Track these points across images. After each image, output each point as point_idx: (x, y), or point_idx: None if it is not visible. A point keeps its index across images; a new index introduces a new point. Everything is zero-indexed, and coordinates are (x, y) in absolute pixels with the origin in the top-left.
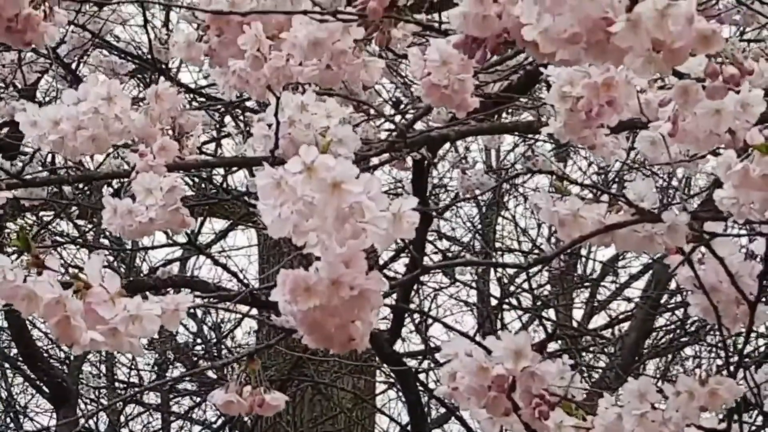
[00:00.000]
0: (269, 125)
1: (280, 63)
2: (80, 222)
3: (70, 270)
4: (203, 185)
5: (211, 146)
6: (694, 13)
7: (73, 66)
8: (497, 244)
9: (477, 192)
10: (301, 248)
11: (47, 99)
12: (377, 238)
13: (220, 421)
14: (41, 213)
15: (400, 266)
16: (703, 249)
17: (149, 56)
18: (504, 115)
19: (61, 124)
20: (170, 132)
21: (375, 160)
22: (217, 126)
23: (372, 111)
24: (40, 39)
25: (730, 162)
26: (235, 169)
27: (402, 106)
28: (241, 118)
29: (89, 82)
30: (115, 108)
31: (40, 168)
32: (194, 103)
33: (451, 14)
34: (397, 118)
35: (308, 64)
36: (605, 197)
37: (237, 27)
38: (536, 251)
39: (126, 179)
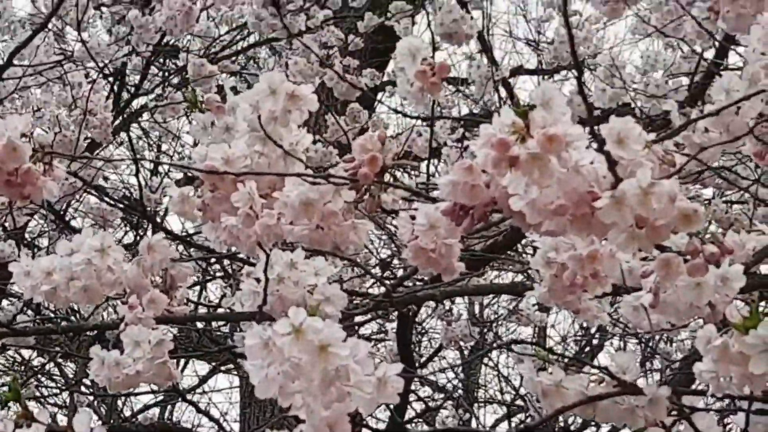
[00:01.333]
0: (258, 281)
1: (271, 222)
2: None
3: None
4: (188, 330)
5: (197, 288)
6: (677, 192)
7: (63, 210)
8: (480, 393)
9: (461, 343)
10: (286, 410)
11: (34, 240)
12: (362, 402)
13: None
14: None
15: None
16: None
17: (138, 199)
18: (489, 270)
19: (54, 274)
20: (161, 283)
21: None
22: (203, 270)
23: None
24: (39, 193)
25: (710, 336)
26: None
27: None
28: (228, 263)
29: (83, 233)
30: (108, 260)
31: (30, 313)
32: (181, 248)
33: (439, 182)
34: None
35: (299, 223)
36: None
37: (231, 183)
38: (519, 401)
39: (115, 331)
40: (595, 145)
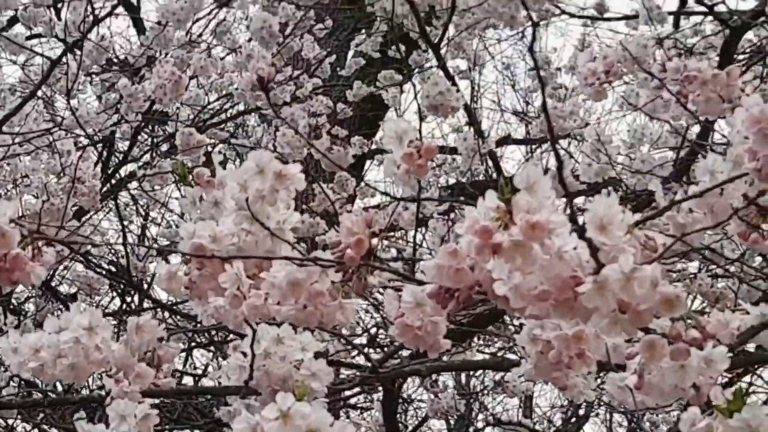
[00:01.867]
0: (244, 355)
1: (258, 302)
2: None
3: None
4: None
5: (182, 356)
6: (659, 278)
7: (50, 276)
8: None
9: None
10: None
11: (21, 305)
12: None
13: None
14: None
15: None
16: None
17: (125, 267)
18: (475, 341)
19: (41, 351)
20: (147, 357)
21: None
22: (189, 337)
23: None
24: (27, 278)
25: (694, 419)
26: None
27: (373, 327)
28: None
29: (72, 310)
30: (96, 338)
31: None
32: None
33: (425, 266)
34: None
35: (286, 304)
36: None
37: (218, 262)
38: None
39: (101, 404)
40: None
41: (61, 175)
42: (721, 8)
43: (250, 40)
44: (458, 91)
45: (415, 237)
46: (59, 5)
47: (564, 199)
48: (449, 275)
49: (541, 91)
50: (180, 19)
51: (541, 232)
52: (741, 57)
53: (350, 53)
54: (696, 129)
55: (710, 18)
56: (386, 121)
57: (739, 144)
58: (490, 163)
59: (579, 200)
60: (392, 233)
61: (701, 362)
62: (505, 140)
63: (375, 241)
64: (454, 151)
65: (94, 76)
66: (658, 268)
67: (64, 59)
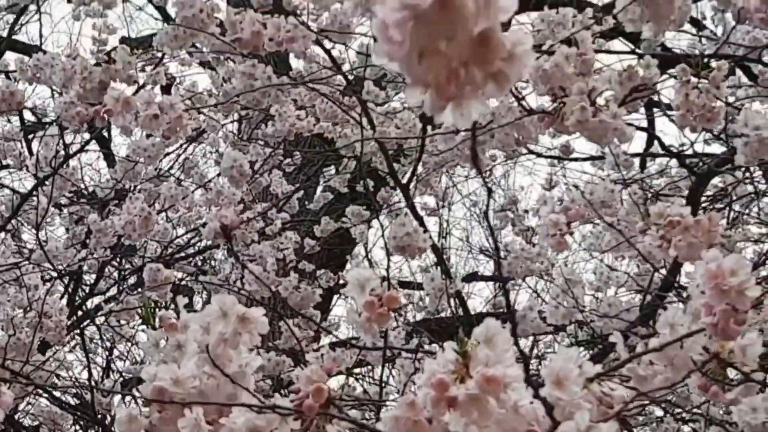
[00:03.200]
0: None
1: None
2: None
3: None
4: None
5: None
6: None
7: (13, 411)
8: None
9: None
10: None
11: None
12: None
13: None
14: None
15: None
16: None
17: (89, 403)
18: None
19: None
20: None
21: None
22: None
23: None
24: None
25: None
26: None
27: None
28: None
29: None
30: None
31: None
32: None
33: (383, 417)
34: None
35: None
36: None
37: (178, 406)
38: None
39: None
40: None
41: (28, 309)
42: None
43: (218, 175)
44: (426, 231)
45: (381, 376)
46: (30, 137)
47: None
48: (407, 427)
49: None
50: (150, 156)
51: (496, 386)
52: (707, 201)
53: (319, 188)
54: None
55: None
56: (348, 270)
57: (698, 298)
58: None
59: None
60: (359, 370)
61: None
62: (473, 277)
63: (334, 388)
64: (421, 286)
65: (63, 207)
66: (615, 426)
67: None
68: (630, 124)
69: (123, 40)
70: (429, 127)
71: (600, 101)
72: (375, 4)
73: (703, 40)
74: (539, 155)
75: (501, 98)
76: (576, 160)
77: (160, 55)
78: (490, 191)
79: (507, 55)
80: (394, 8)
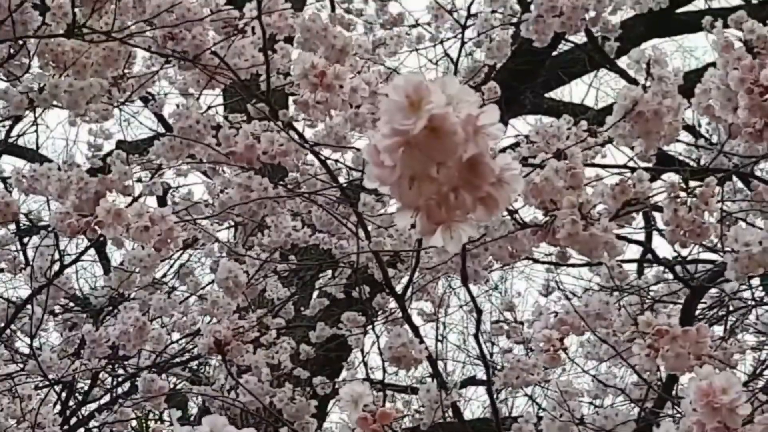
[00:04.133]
0: None
1: None
2: None
3: None
4: None
5: None
6: None
7: None
8: None
9: None
10: None
11: None
12: None
13: None
14: None
15: None
16: None
17: None
18: None
19: None
20: None
21: None
22: None
23: None
24: None
25: None
26: None
27: None
28: None
29: None
30: None
31: None
32: None
33: None
34: None
35: None
36: None
37: None
38: None
39: None
40: None
41: (21, 420)
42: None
43: (212, 282)
44: (422, 342)
45: None
46: (26, 242)
47: None
48: None
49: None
50: (146, 266)
51: None
52: (704, 310)
53: (314, 294)
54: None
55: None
56: (342, 385)
57: (691, 415)
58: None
59: None
60: None
61: None
62: (470, 381)
63: None
64: (416, 390)
65: (57, 314)
66: None
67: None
68: (624, 237)
69: (119, 144)
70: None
71: (593, 214)
72: (365, 121)
73: (701, 144)
74: (536, 261)
75: None
76: (573, 266)
77: (156, 164)
78: (479, 312)
79: (496, 180)
80: (385, 134)
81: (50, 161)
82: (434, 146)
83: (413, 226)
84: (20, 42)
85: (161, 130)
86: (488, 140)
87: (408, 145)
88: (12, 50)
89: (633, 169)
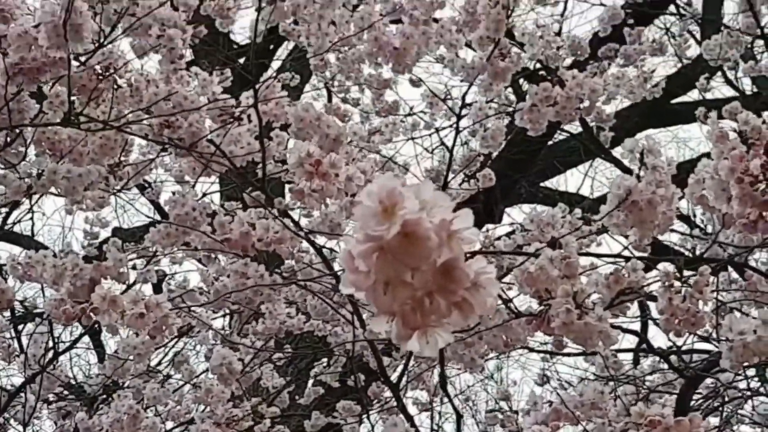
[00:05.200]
0: None
1: None
2: None
3: None
4: None
5: None
6: None
7: None
8: None
9: None
10: None
11: None
12: None
13: None
14: None
15: None
16: None
17: None
18: None
19: None
20: None
21: None
22: None
23: None
24: None
25: None
26: None
27: None
28: None
29: None
30: None
31: None
32: None
33: None
34: None
35: None
36: None
37: None
38: None
39: None
40: None
41: None
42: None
43: (207, 370)
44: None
45: None
46: (20, 329)
47: None
48: None
49: None
50: (140, 354)
51: None
52: (700, 400)
53: (309, 382)
54: None
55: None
56: None
57: None
58: None
59: None
60: None
61: None
62: None
63: None
64: None
65: (50, 403)
66: None
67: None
68: (619, 327)
69: (115, 232)
70: None
71: (587, 303)
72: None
73: (695, 234)
74: (531, 350)
75: None
76: (568, 355)
77: (152, 251)
78: (459, 417)
79: (471, 285)
80: (359, 240)
81: (46, 248)
82: (408, 252)
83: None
84: (17, 130)
85: (157, 217)
86: (463, 245)
87: (382, 250)
88: (9, 138)
89: (627, 259)
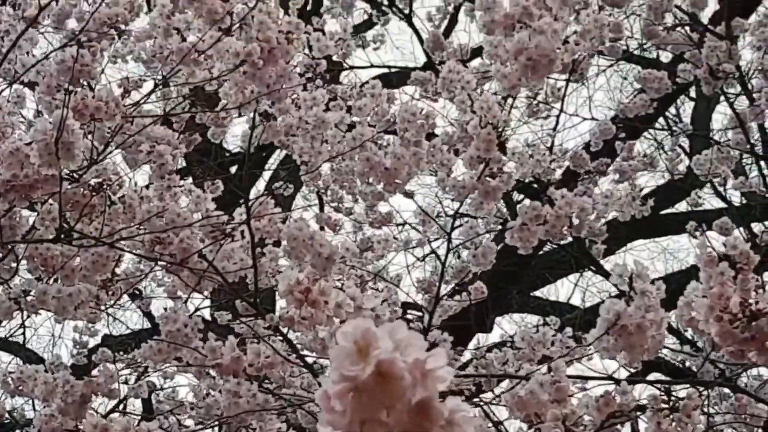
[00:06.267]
0: None
1: None
2: None
3: None
4: None
5: None
6: None
7: None
8: None
9: None
10: None
11: None
12: None
13: None
14: None
15: None
16: None
17: None
18: None
19: None
20: None
21: None
22: None
23: None
24: None
25: None
26: None
27: None
28: None
29: None
30: None
31: None
32: None
33: None
34: None
35: None
36: None
37: None
38: None
39: None
40: None
41: None
42: None
43: None
44: None
45: None
46: None
47: None
48: None
49: None
50: None
51: None
52: None
53: None
54: None
55: None
56: None
57: None
58: None
59: None
60: None
61: None
62: None
63: None
64: None
65: None
66: None
67: None
68: None
69: (105, 339)
70: None
71: (578, 425)
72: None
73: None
74: None
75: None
76: None
77: (143, 366)
78: None
79: (446, 422)
80: (334, 380)
81: (35, 354)
82: (383, 391)
83: None
84: (9, 246)
85: (147, 325)
86: (437, 383)
87: (357, 390)
88: (0, 254)
89: (617, 381)
